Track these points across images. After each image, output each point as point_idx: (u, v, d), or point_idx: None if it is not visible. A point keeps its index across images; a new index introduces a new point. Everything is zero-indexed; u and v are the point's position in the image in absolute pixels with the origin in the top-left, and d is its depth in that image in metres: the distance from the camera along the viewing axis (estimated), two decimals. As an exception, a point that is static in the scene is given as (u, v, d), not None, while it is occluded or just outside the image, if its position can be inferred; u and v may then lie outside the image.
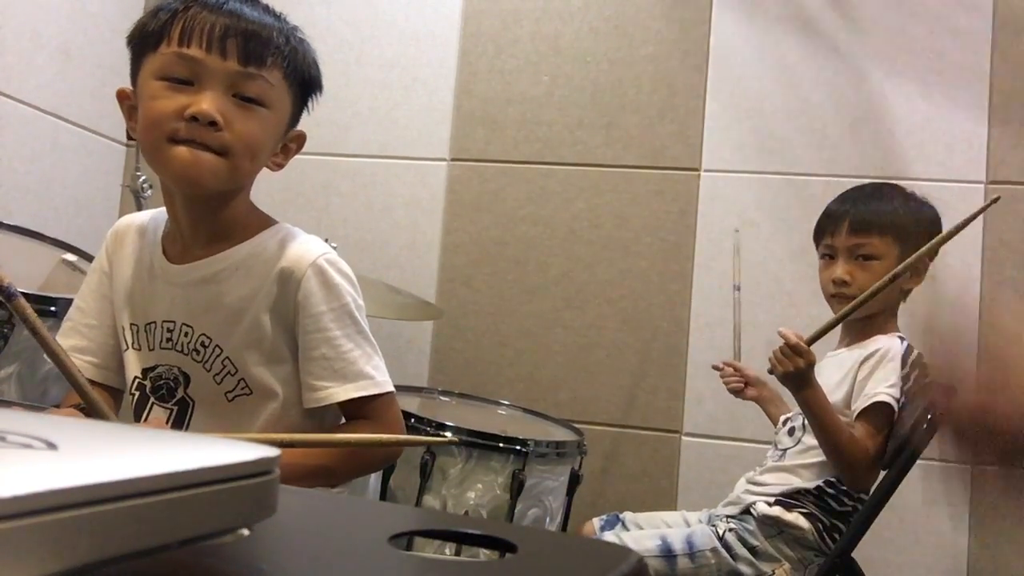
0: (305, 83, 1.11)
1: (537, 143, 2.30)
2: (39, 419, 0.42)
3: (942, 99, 2.09)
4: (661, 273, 2.20)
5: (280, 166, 1.14)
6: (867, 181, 1.78)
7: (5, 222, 1.81)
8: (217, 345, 1.09)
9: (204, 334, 1.09)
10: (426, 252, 2.34)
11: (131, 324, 1.13)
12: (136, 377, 1.13)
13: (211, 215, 1.10)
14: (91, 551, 0.28)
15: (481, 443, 1.56)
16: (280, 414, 1.10)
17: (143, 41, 1.05)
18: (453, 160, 2.35)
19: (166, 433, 0.65)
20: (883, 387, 1.51)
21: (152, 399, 1.11)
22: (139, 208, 1.96)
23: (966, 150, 2.07)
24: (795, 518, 1.54)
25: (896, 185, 1.69)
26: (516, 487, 1.54)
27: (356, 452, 1.09)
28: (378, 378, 1.10)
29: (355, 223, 2.37)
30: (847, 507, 1.55)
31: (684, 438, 2.15)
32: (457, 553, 1.12)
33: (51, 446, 0.33)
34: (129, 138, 1.99)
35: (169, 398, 1.11)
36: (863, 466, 1.50)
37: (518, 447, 1.56)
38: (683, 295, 2.18)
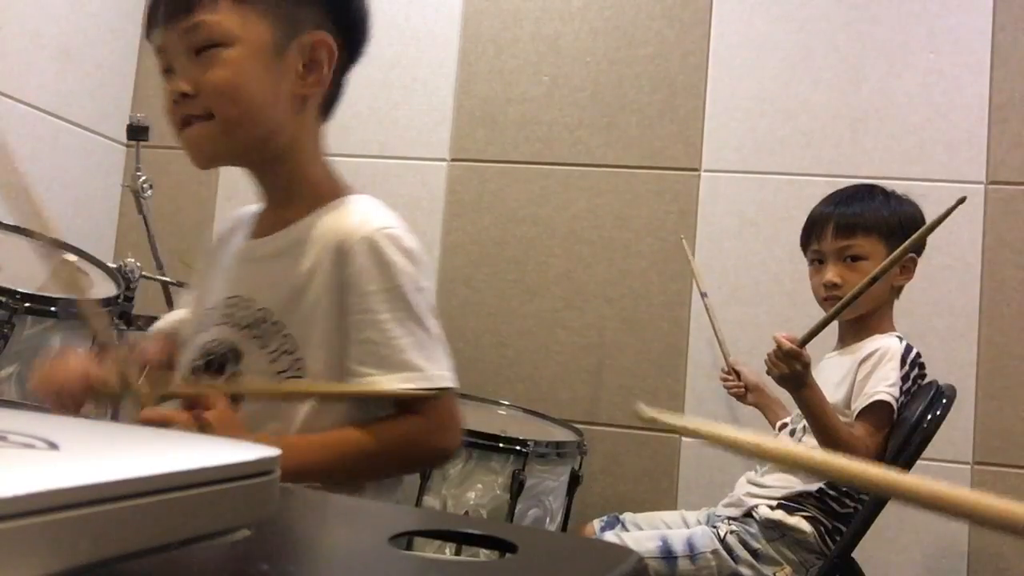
0: None
1: (537, 143, 2.30)
2: (40, 419, 0.42)
3: (942, 99, 2.09)
4: (661, 273, 2.20)
5: (319, 84, 1.06)
6: (868, 182, 1.79)
7: (5, 222, 1.81)
8: (278, 320, 1.01)
9: (265, 308, 1.02)
10: (426, 252, 2.33)
11: (198, 300, 1.12)
12: (192, 359, 1.07)
13: (272, 179, 1.07)
14: (91, 551, 0.28)
15: (481, 443, 1.56)
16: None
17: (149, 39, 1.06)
18: (453, 160, 2.35)
19: (167, 433, 0.65)
20: (883, 386, 1.51)
21: (201, 374, 1.05)
22: (139, 208, 1.96)
23: (966, 150, 2.07)
24: (797, 522, 1.54)
25: (875, 185, 1.70)
26: (516, 487, 1.54)
27: (399, 446, 1.00)
28: (429, 371, 0.98)
29: (355, 223, 2.36)
30: (849, 509, 1.55)
31: (684, 438, 2.15)
32: (457, 553, 1.12)
33: (52, 446, 0.33)
34: (129, 138, 1.99)
35: (218, 375, 1.03)
36: (863, 466, 1.50)
37: (518, 447, 1.56)
38: (683, 295, 2.18)
